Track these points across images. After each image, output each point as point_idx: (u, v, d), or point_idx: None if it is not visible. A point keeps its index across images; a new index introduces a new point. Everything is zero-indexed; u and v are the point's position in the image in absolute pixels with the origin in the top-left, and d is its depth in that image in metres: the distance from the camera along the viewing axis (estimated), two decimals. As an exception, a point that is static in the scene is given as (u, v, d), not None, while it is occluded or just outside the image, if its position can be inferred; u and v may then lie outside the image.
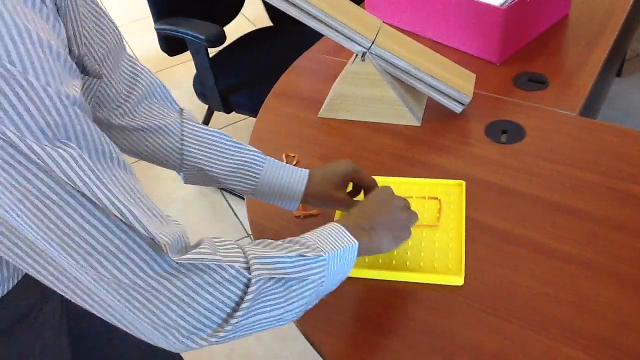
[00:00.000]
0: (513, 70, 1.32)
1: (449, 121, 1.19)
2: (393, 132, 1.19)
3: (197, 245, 0.60)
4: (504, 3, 1.29)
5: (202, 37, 1.71)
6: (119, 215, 0.52)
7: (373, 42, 1.13)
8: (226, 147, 0.90)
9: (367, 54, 1.13)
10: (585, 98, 1.22)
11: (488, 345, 0.80)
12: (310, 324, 0.86)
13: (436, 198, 1.02)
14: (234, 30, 2.14)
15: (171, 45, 1.93)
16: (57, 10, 0.57)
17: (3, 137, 0.47)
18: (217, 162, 0.89)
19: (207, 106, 2.13)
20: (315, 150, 1.17)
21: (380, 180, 1.04)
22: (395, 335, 0.83)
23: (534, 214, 0.98)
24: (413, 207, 1.00)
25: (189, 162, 0.89)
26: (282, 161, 1.03)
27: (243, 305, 0.59)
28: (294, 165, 0.94)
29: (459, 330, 0.83)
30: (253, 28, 2.26)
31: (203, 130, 0.90)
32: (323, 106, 1.24)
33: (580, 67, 1.31)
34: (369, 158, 1.14)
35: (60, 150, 0.49)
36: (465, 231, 0.96)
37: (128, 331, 0.58)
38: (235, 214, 2.17)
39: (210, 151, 0.89)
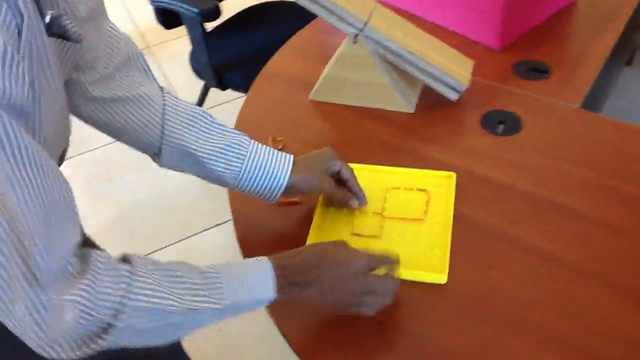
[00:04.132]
0: (514, 58, 1.26)
1: (443, 109, 1.14)
2: (385, 119, 1.14)
3: (83, 271, 0.61)
4: (508, -14, 1.22)
5: (196, 10, 1.66)
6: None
7: (366, 24, 1.07)
8: (210, 126, 0.86)
9: (360, 35, 1.08)
10: (589, 90, 1.17)
11: (466, 350, 0.77)
12: (285, 319, 0.83)
13: (424, 190, 0.97)
14: (233, 5, 2.08)
15: (167, 18, 1.88)
16: None
17: None
18: (201, 140, 0.85)
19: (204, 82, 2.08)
20: (303, 134, 1.13)
21: (369, 169, 1.00)
22: (370, 334, 0.80)
23: (526, 212, 0.93)
24: (400, 198, 0.96)
25: (171, 138, 0.84)
26: (269, 145, 0.99)
27: (101, 342, 0.62)
28: (279, 150, 0.91)
29: (437, 332, 0.79)
30: (250, 4, 2.19)
31: (186, 106, 0.86)
32: (314, 89, 1.19)
33: (586, 57, 1.25)
34: (359, 145, 1.09)
35: None
36: (453, 226, 0.91)
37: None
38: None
39: (194, 129, 0.85)
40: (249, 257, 0.88)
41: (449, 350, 0.77)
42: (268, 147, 0.89)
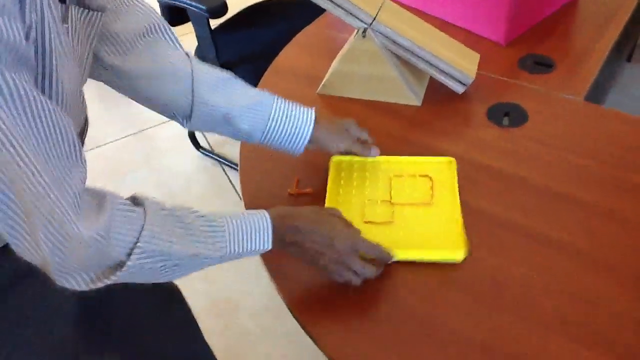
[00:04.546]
0: (519, 52, 1.28)
1: (450, 102, 1.16)
2: (393, 112, 1.16)
3: (99, 210, 0.65)
4: (512, -18, 1.25)
5: (203, 7, 1.67)
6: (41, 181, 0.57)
7: (375, 18, 1.09)
8: (236, 87, 0.92)
9: (368, 30, 1.10)
10: (592, 83, 1.19)
11: (479, 336, 0.79)
12: (300, 304, 0.85)
13: (427, 176, 0.99)
14: (237, 2, 2.10)
15: (173, 15, 1.89)
16: None
17: None
18: (229, 101, 0.90)
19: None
20: (312, 127, 1.15)
21: (371, 160, 1.02)
22: (384, 321, 0.82)
23: (533, 201, 0.95)
24: (405, 185, 0.98)
25: (201, 102, 0.89)
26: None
27: (113, 277, 0.67)
28: None
29: (449, 318, 0.81)
30: (251, 2, 2.21)
31: (211, 70, 0.91)
32: (322, 83, 1.21)
33: (588, 51, 1.27)
34: (367, 137, 1.11)
35: None
36: (462, 213, 0.93)
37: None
38: (234, 188, 2.15)
39: (223, 91, 0.90)
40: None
41: (462, 336, 0.79)
42: (290, 102, 0.94)
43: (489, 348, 0.77)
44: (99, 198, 0.67)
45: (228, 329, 1.75)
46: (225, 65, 1.84)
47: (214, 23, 1.85)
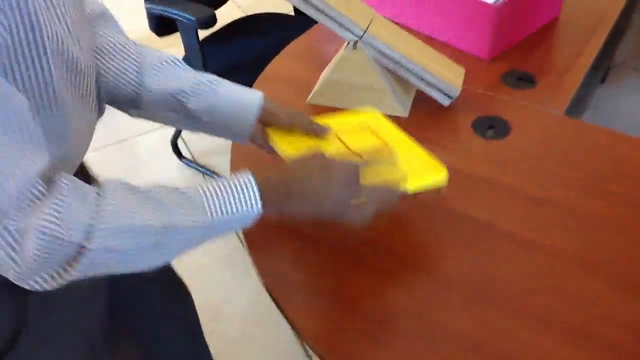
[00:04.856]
0: (502, 68, 1.33)
1: (436, 114, 1.20)
2: (381, 122, 1.19)
3: (49, 194, 0.59)
4: (496, 1, 1.30)
5: (192, 18, 1.70)
6: None
7: (365, 31, 1.13)
8: (184, 68, 0.90)
9: (359, 42, 1.13)
10: (572, 98, 1.24)
11: (469, 334, 0.81)
12: (291, 307, 0.87)
13: (367, 127, 1.01)
14: (224, 15, 2.13)
15: (161, 25, 1.91)
16: None
17: None
18: (178, 80, 0.87)
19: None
20: (302, 136, 1.17)
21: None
22: (374, 320, 0.84)
23: (516, 208, 0.99)
24: (354, 138, 0.97)
25: (150, 82, 0.86)
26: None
27: (78, 266, 0.61)
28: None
29: (440, 317, 0.83)
30: (242, 14, 2.25)
31: (160, 52, 0.90)
32: (312, 92, 1.24)
33: (568, 68, 1.32)
34: (356, 146, 1.14)
35: None
36: (448, 222, 0.96)
37: None
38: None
39: (172, 70, 0.88)
40: (253, 247, 0.92)
41: (453, 333, 0.81)
42: (236, 84, 0.92)
43: (481, 348, 0.80)
44: (51, 182, 0.61)
45: (212, 335, 1.75)
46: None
47: (202, 35, 1.87)
